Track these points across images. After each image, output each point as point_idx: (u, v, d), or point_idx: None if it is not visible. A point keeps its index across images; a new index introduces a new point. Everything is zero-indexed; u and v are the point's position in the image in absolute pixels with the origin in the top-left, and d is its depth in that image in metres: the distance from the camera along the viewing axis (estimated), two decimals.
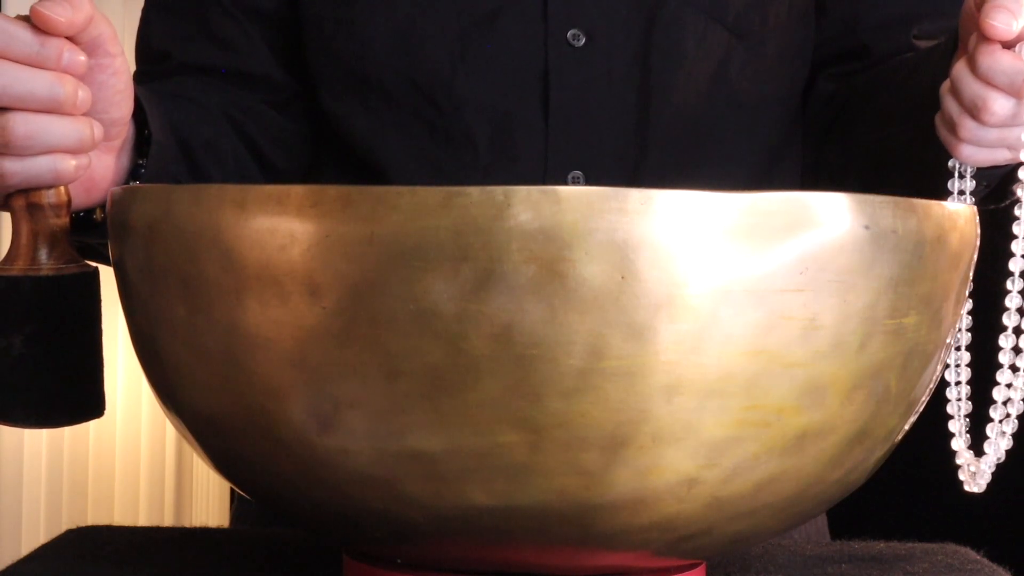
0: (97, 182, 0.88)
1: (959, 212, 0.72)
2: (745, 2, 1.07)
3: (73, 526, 0.98)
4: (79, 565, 0.86)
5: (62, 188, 0.83)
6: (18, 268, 0.81)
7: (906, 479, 1.90)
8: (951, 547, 0.94)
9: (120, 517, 2.63)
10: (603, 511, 0.67)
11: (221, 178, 1.04)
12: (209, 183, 1.02)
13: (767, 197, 0.65)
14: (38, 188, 0.82)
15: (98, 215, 0.90)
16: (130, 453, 2.67)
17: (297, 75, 1.11)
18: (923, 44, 1.08)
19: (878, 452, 0.73)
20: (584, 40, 1.05)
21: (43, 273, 0.81)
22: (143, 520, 2.70)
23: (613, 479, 0.66)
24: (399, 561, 0.75)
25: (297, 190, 0.65)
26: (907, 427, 0.75)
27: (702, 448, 0.66)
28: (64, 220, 0.83)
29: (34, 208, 0.82)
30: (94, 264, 0.84)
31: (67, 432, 2.51)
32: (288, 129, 1.10)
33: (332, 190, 0.65)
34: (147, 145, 0.92)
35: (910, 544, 0.95)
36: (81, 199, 0.87)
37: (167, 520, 2.77)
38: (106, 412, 0.85)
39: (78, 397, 0.83)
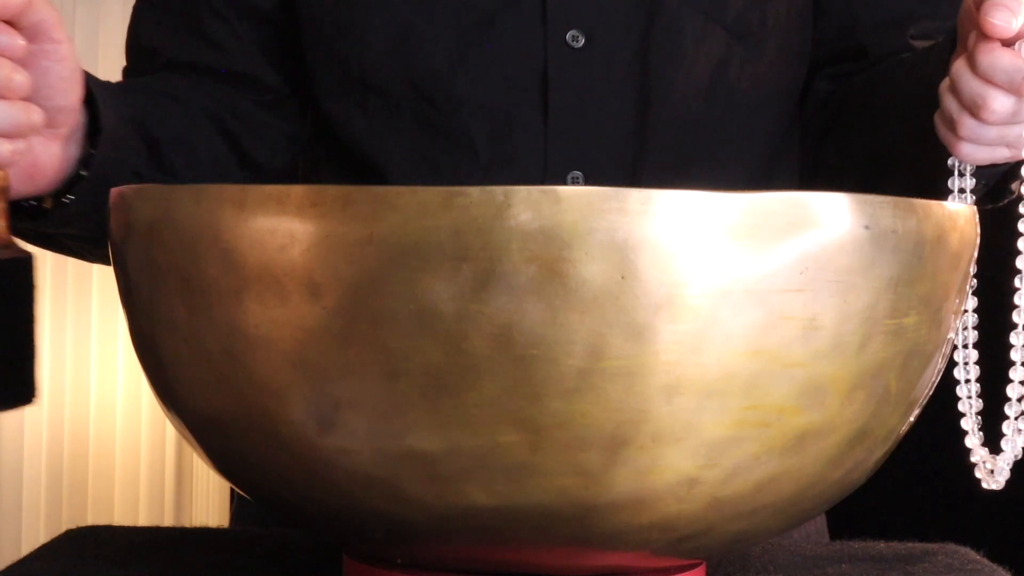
0: (41, 169, 0.87)
1: (959, 212, 0.72)
2: (744, 3, 1.07)
3: (73, 526, 0.98)
4: (79, 565, 0.86)
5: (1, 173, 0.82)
6: None
7: (906, 479, 1.90)
8: (951, 547, 0.94)
9: (120, 517, 2.64)
10: (603, 511, 0.67)
11: (191, 177, 1.03)
12: (175, 182, 1.02)
13: (767, 197, 0.65)
14: None
15: (47, 203, 0.89)
16: (130, 453, 2.67)
17: (288, 76, 1.10)
18: (920, 44, 1.08)
19: (878, 452, 0.73)
20: (583, 41, 1.05)
21: None
22: (143, 520, 2.71)
23: (613, 479, 0.66)
24: (399, 561, 0.75)
25: (297, 190, 0.65)
26: (907, 427, 0.75)
27: (702, 448, 0.66)
28: (1, 205, 0.81)
29: None
30: (30, 250, 0.83)
31: (67, 432, 2.51)
32: (274, 127, 1.10)
33: (332, 190, 0.65)
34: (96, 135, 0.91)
35: (910, 544, 0.95)
36: (25, 186, 0.86)
37: (167, 520, 2.77)
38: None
39: (8, 383, 0.82)
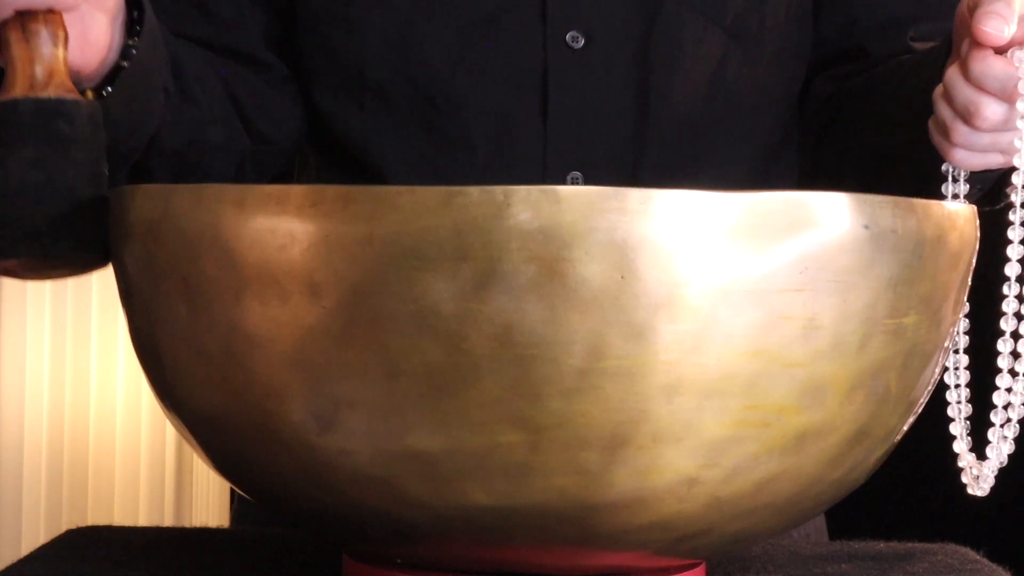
0: (91, 42, 0.86)
1: (959, 212, 0.72)
2: (743, 4, 1.07)
3: (73, 526, 0.98)
4: (79, 565, 0.86)
5: (58, 17, 0.81)
6: (17, 92, 0.79)
7: (906, 479, 1.90)
8: (951, 547, 0.94)
9: (120, 517, 2.63)
10: (603, 511, 0.67)
11: (210, 115, 1.03)
12: (199, 114, 1.01)
13: (767, 197, 0.65)
14: (35, 11, 0.81)
15: (89, 95, 0.89)
16: (130, 453, 2.67)
17: (289, 62, 1.10)
18: (920, 46, 1.09)
19: (878, 452, 0.73)
20: (583, 42, 1.05)
21: (45, 95, 0.79)
22: (143, 520, 2.70)
23: (613, 479, 0.66)
24: (399, 561, 0.75)
25: (297, 190, 0.66)
26: (907, 427, 0.75)
27: (702, 448, 0.66)
28: (62, 51, 0.81)
29: (32, 34, 0.81)
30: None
31: (67, 432, 2.51)
32: (277, 102, 1.09)
33: (332, 190, 0.65)
34: (138, 25, 0.90)
35: (910, 544, 0.95)
36: (74, 56, 0.85)
37: (167, 520, 2.77)
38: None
39: (81, 233, 0.78)
